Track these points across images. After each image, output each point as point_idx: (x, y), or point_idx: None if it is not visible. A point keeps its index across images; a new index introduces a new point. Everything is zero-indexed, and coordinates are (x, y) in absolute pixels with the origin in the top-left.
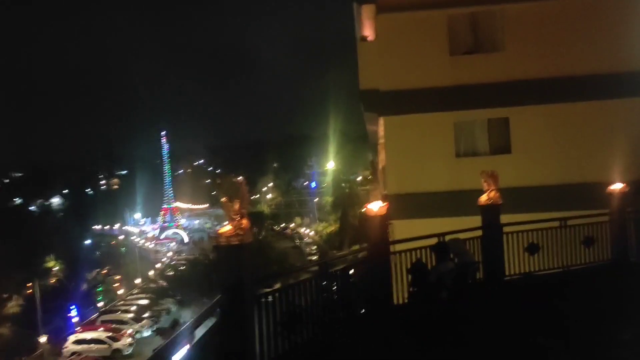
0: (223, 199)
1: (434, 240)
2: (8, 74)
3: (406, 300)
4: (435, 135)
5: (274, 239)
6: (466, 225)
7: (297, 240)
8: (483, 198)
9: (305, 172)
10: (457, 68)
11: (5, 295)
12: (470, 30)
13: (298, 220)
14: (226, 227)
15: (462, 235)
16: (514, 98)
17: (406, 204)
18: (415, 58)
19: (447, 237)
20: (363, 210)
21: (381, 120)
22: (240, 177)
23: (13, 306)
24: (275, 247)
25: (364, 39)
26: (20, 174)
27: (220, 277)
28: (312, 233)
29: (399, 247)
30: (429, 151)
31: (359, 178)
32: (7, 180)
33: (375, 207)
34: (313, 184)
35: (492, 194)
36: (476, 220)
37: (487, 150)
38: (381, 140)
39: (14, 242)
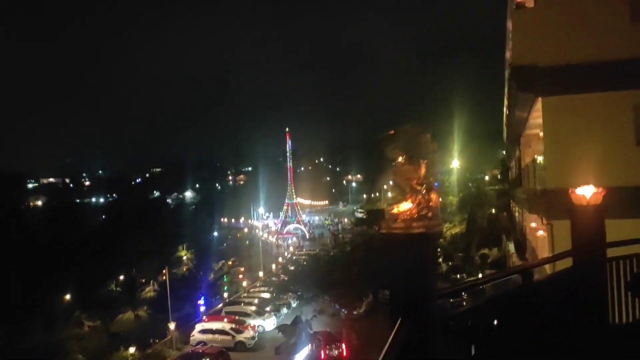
0: (399, 159)
1: None
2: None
3: (624, 322)
4: (608, 120)
5: None
6: None
7: None
8: None
9: None
10: None
11: (143, 280)
12: None
13: None
14: (404, 205)
15: None
16: None
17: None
18: (585, 26)
19: None
20: (495, 212)
21: (538, 104)
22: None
23: (149, 291)
24: None
25: (519, 6)
26: (159, 169)
27: (394, 285)
28: None
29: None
30: (600, 138)
31: (487, 177)
32: (148, 175)
33: (587, 192)
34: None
35: None
36: None
37: None
38: (527, 131)
39: (152, 232)
